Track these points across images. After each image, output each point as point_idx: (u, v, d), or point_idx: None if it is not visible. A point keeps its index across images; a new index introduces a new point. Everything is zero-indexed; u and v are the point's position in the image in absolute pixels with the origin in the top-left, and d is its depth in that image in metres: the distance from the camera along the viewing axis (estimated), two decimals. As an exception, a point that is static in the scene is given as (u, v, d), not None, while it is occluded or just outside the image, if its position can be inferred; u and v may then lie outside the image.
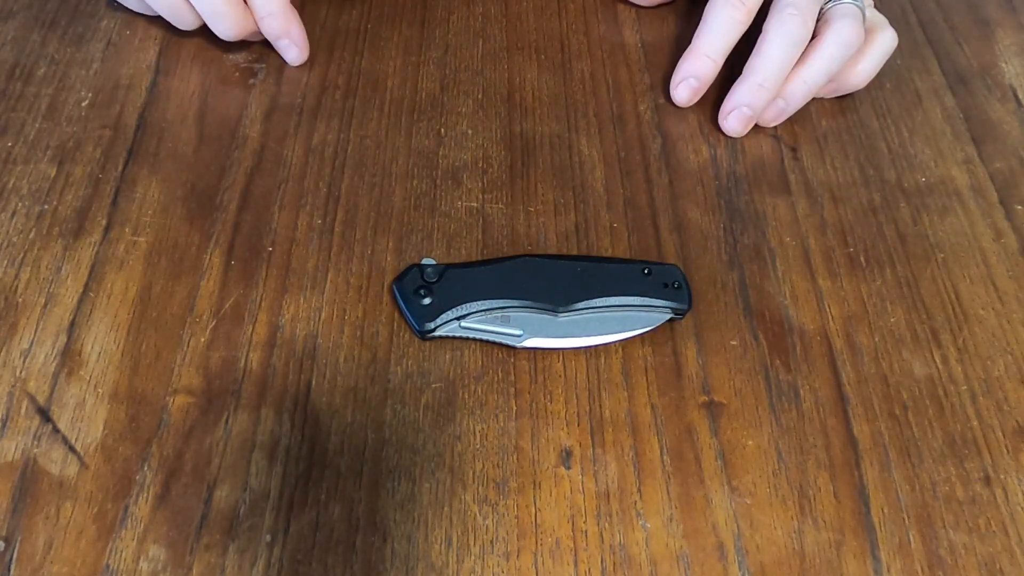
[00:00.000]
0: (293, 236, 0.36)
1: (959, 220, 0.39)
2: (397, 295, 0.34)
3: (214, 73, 0.41)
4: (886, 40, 0.42)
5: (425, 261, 0.34)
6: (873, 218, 0.39)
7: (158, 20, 0.42)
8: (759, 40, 0.40)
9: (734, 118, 0.41)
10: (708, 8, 0.41)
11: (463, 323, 0.33)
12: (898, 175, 0.41)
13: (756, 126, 0.42)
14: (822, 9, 0.41)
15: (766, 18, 0.40)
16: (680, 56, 0.42)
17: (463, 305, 0.33)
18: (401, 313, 0.34)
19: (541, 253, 0.36)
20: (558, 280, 0.34)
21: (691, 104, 0.42)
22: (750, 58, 0.40)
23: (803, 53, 0.40)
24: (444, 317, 0.33)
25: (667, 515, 0.30)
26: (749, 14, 0.40)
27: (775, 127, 0.42)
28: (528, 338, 0.33)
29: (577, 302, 0.34)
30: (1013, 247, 0.38)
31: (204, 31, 0.42)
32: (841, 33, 0.39)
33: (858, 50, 0.41)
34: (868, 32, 0.41)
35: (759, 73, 0.40)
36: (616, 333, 0.34)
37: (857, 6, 0.40)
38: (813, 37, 0.40)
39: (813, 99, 0.42)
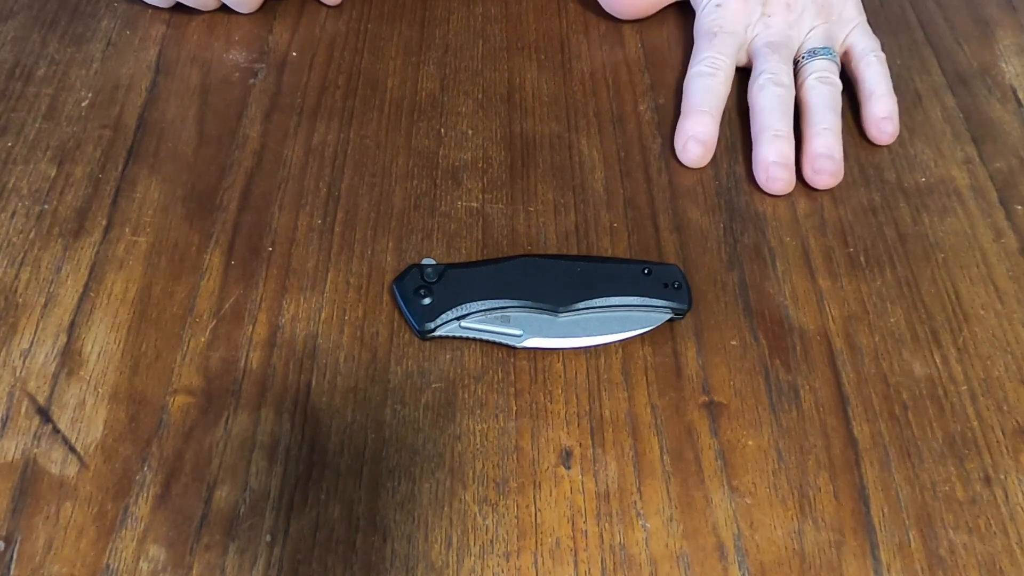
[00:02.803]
0: (293, 236, 0.36)
1: (959, 220, 0.39)
2: (397, 295, 0.34)
3: (214, 73, 0.41)
4: (880, 67, 0.42)
5: (425, 261, 0.34)
6: (873, 218, 0.39)
7: (158, 20, 0.42)
8: (751, 112, 0.41)
9: (773, 171, 0.39)
10: (686, 82, 0.42)
11: (463, 323, 0.33)
12: (898, 175, 0.41)
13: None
14: (798, 63, 0.42)
15: (749, 85, 0.41)
16: (679, 60, 0.42)
17: (463, 305, 0.33)
18: (401, 313, 0.34)
19: (541, 253, 0.36)
20: (558, 280, 0.34)
21: (704, 163, 0.40)
22: (752, 127, 0.41)
23: (804, 120, 0.41)
24: (444, 317, 0.33)
25: (667, 515, 0.30)
26: (727, 76, 0.42)
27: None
28: (528, 338, 0.33)
29: (577, 302, 0.34)
30: (1013, 247, 0.38)
31: (205, 29, 0.42)
32: (822, 99, 0.40)
33: (869, 93, 0.42)
34: (859, 61, 0.42)
35: (768, 129, 0.40)
36: (616, 333, 0.34)
37: (830, 60, 0.41)
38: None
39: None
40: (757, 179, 0.39)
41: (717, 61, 0.41)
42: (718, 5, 0.43)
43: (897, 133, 0.41)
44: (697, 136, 0.40)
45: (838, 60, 0.42)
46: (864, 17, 0.43)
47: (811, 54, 0.42)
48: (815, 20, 0.42)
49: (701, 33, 0.43)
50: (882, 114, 0.41)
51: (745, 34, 0.42)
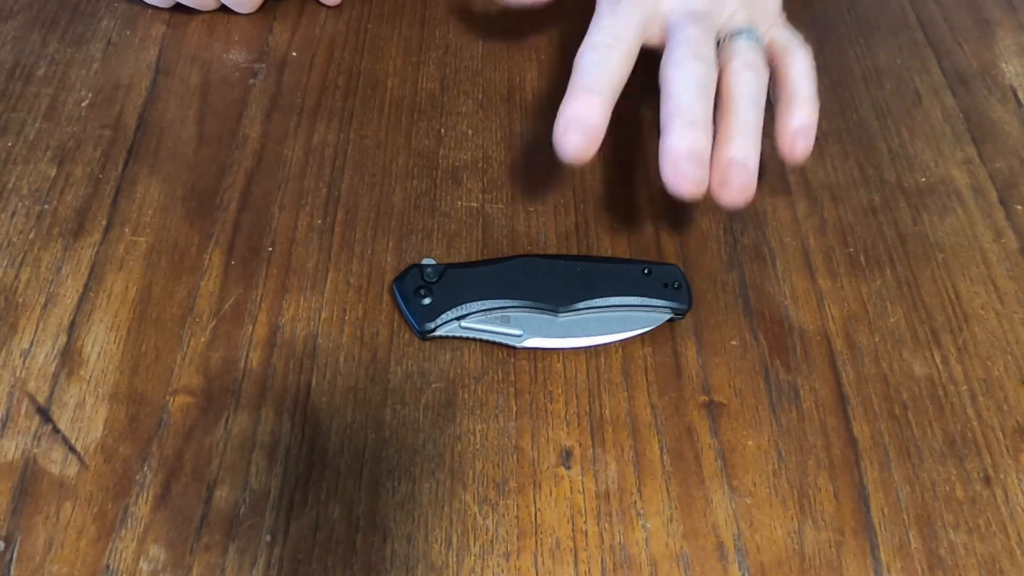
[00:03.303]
0: (293, 236, 0.36)
1: (959, 220, 0.39)
2: (397, 295, 0.34)
3: (214, 73, 0.41)
4: (806, 61, 0.36)
5: (425, 261, 0.34)
6: (873, 218, 0.39)
7: (158, 20, 0.42)
8: (662, 91, 0.33)
9: (683, 167, 0.31)
10: (577, 56, 0.34)
11: (463, 323, 0.33)
12: (898, 175, 0.41)
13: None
14: (719, 44, 0.35)
15: (662, 60, 0.34)
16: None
17: (463, 305, 0.33)
18: (401, 313, 0.34)
19: (541, 253, 0.36)
20: (558, 280, 0.34)
21: (586, 157, 0.32)
22: (662, 109, 0.33)
23: (720, 114, 0.33)
24: (444, 317, 0.33)
25: (667, 515, 0.30)
26: (629, 51, 0.34)
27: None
28: (528, 338, 0.33)
29: (577, 302, 0.34)
30: (1013, 247, 0.38)
31: (205, 29, 0.42)
32: (747, 90, 0.34)
33: (790, 94, 0.35)
34: (783, 52, 0.36)
35: (682, 114, 0.32)
36: (616, 333, 0.34)
37: (756, 43, 0.35)
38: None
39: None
40: (663, 173, 0.31)
41: (619, 31, 0.34)
42: None
43: (810, 150, 0.34)
44: (580, 120, 0.31)
45: (764, 44, 0.36)
46: (784, 16, 0.38)
47: (735, 35, 0.35)
48: (738, 2, 0.36)
49: None
50: (797, 125, 0.34)
51: (656, 5, 0.35)
